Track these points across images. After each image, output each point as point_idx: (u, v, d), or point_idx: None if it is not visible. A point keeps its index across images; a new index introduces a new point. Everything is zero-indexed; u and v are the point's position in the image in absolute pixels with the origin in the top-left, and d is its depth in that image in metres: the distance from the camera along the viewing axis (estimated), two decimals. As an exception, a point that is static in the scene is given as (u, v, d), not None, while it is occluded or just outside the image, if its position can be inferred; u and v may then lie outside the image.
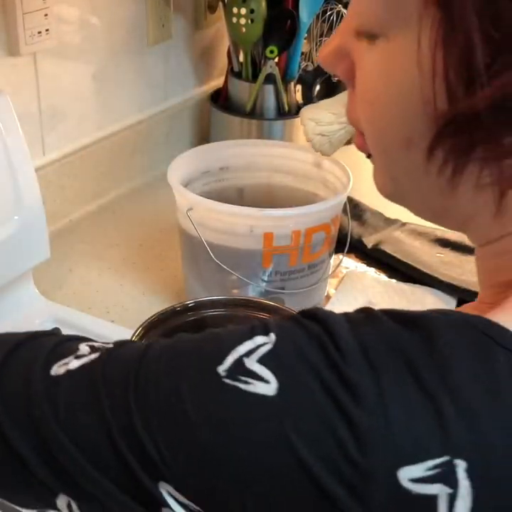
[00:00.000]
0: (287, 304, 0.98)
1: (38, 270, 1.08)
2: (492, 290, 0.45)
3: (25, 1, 1.09)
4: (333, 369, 0.37)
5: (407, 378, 0.36)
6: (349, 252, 1.17)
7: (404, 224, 1.31)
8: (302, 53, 1.50)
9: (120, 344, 0.45)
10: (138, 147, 1.44)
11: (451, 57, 0.36)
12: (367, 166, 0.48)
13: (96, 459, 0.40)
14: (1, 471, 0.44)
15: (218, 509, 0.39)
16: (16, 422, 0.43)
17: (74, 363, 0.43)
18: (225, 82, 1.53)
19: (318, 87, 1.58)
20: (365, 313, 0.40)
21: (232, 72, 1.49)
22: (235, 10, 1.38)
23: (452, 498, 0.35)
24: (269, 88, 1.46)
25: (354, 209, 1.31)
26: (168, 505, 0.40)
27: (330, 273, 1.11)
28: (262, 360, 0.38)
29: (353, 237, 1.20)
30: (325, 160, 1.09)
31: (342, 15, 1.53)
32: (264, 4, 1.37)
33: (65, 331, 0.52)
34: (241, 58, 1.46)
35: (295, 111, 1.48)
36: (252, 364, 0.38)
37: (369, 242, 1.24)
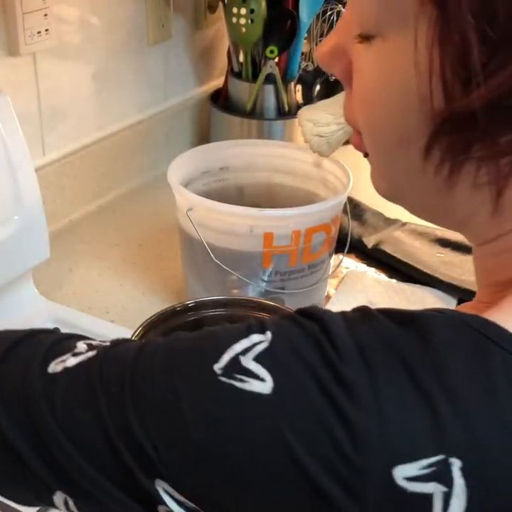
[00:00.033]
0: (287, 304, 0.98)
1: (38, 270, 1.08)
2: (489, 289, 0.45)
3: (25, 1, 1.09)
4: (329, 367, 0.37)
5: (403, 377, 0.36)
6: (349, 252, 1.17)
7: (404, 224, 1.31)
8: (302, 53, 1.50)
9: (117, 342, 0.45)
10: (138, 147, 1.44)
11: (447, 56, 0.36)
12: (367, 166, 0.48)
13: (92, 456, 0.41)
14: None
15: (214, 507, 0.39)
16: (14, 420, 0.43)
17: (71, 361, 0.43)
18: (225, 82, 1.53)
19: (318, 87, 1.58)
20: (362, 312, 0.40)
21: (232, 72, 1.49)
22: (235, 10, 1.38)
23: (447, 497, 0.35)
24: (269, 88, 1.46)
25: (354, 209, 1.31)
26: (164, 503, 0.40)
27: (330, 273, 1.11)
28: (258, 359, 0.38)
29: (353, 237, 1.20)
30: (325, 160, 1.09)
31: (342, 15, 1.53)
32: (264, 4, 1.37)
33: (65, 331, 0.52)
34: (241, 58, 1.46)
35: (295, 111, 1.47)
36: (248, 362, 0.38)
37: (369, 242, 1.24)
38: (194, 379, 0.39)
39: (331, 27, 1.55)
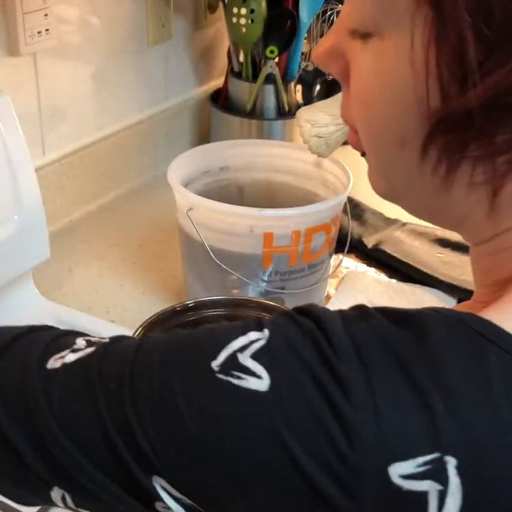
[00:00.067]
0: (287, 304, 0.98)
1: (38, 270, 1.08)
2: (487, 289, 0.45)
3: (25, 1, 1.09)
4: (325, 365, 0.37)
5: (399, 376, 0.36)
6: (349, 252, 1.17)
7: (404, 224, 1.31)
8: (302, 53, 1.50)
9: (116, 339, 0.45)
10: (138, 147, 1.44)
11: (443, 55, 0.36)
12: (366, 166, 0.48)
13: (91, 452, 0.41)
14: None
15: (211, 504, 0.39)
16: (12, 416, 0.43)
17: (70, 357, 0.44)
18: (225, 82, 1.53)
19: (318, 87, 1.58)
20: (359, 311, 0.40)
21: (232, 72, 1.49)
22: (235, 10, 1.38)
23: (442, 495, 0.35)
24: (269, 88, 1.46)
25: (354, 209, 1.31)
26: (161, 500, 0.40)
27: (330, 273, 1.11)
28: (255, 356, 0.38)
29: (353, 237, 1.20)
30: (325, 160, 1.09)
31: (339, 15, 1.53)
32: (264, 4, 1.37)
33: (64, 330, 0.52)
34: (241, 58, 1.46)
35: (295, 111, 1.46)
36: (246, 359, 0.38)
37: (369, 242, 1.24)
38: (191, 376, 0.39)
39: (331, 27, 1.55)
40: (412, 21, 0.37)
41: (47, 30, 1.15)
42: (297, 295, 1.04)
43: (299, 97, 1.55)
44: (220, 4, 1.45)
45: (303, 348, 0.38)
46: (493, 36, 0.35)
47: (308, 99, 1.56)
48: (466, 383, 0.36)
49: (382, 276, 1.19)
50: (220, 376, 0.38)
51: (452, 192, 0.41)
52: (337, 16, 1.54)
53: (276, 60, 1.42)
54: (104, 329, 1.00)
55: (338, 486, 0.35)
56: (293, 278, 1.03)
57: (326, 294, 1.13)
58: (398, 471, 0.35)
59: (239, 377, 0.38)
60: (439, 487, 0.35)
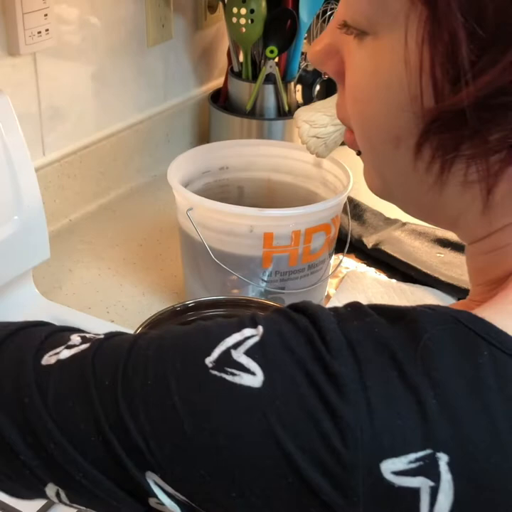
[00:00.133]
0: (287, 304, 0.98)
1: (38, 270, 1.08)
2: (481, 287, 0.45)
3: (25, 1, 1.09)
4: (319, 362, 0.37)
5: (391, 372, 0.36)
6: (349, 252, 1.17)
7: (404, 224, 1.31)
8: (302, 53, 1.50)
9: (111, 335, 0.45)
10: (138, 147, 1.44)
11: (437, 54, 0.36)
12: (364, 166, 0.48)
13: (84, 448, 0.41)
14: None
15: (204, 499, 0.39)
16: (7, 412, 0.43)
17: (65, 353, 0.44)
18: (225, 82, 1.53)
19: (318, 87, 1.58)
20: (354, 308, 0.40)
21: (232, 72, 1.49)
22: (235, 10, 1.38)
23: (434, 492, 0.35)
24: (269, 88, 1.46)
25: (354, 209, 1.31)
26: (155, 495, 0.40)
27: (330, 273, 1.11)
28: (249, 352, 0.38)
29: (353, 237, 1.20)
30: (325, 160, 1.09)
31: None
32: (264, 4, 1.37)
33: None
34: (241, 58, 1.46)
35: (295, 111, 1.47)
36: (239, 356, 0.38)
37: (369, 242, 1.24)
38: (185, 372, 0.39)
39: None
40: (407, 20, 0.38)
41: (47, 30, 1.15)
42: (297, 295, 1.04)
43: (298, 96, 1.55)
44: (220, 4, 1.45)
45: (297, 345, 0.38)
46: (485, 36, 0.35)
47: (308, 99, 1.56)
48: (458, 380, 0.36)
49: (382, 276, 1.19)
50: (214, 372, 0.38)
51: (446, 190, 0.41)
52: (337, 16, 1.54)
53: (276, 60, 1.42)
54: (104, 329, 0.99)
55: (331, 483, 0.35)
56: (293, 278, 1.03)
57: (326, 294, 1.13)
58: (390, 467, 0.35)
59: (232, 374, 0.38)
60: (431, 483, 0.35)
